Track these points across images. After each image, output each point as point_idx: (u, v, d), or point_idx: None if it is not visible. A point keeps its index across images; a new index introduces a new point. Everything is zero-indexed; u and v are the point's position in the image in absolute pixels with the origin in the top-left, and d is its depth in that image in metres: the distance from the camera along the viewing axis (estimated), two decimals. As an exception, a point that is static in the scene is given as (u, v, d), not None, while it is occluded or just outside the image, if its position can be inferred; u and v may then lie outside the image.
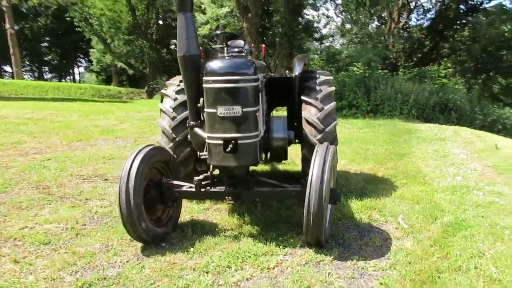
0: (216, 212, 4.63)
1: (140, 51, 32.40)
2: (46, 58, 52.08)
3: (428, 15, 29.58)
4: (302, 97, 4.81)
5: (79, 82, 53.36)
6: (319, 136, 4.54)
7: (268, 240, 3.78)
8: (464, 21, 27.32)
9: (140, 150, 3.71)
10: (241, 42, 4.80)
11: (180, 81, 5.01)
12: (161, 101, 9.71)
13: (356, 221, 4.33)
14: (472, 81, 27.38)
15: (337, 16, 30.23)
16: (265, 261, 3.42)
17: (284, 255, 3.57)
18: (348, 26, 25.06)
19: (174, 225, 4.10)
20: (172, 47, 7.64)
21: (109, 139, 9.08)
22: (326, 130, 4.58)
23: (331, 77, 5.15)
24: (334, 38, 29.44)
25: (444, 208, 4.57)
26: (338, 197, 3.70)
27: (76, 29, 31.94)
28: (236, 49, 4.16)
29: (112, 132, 9.94)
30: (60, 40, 46.12)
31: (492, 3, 28.29)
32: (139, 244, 3.76)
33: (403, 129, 10.83)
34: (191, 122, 4.15)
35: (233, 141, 3.56)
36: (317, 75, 5.03)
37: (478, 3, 27.73)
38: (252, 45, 5.56)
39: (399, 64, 27.27)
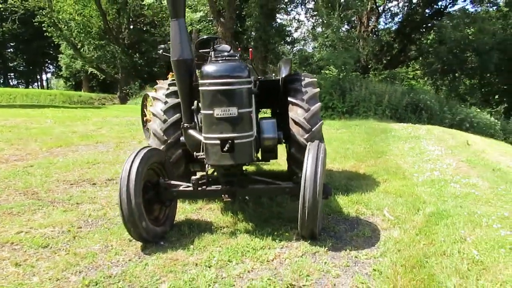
0: (209, 212, 4.76)
1: (112, 56, 32.01)
2: (11, 64, 50.58)
3: (396, 19, 30.55)
4: (289, 98, 5.01)
5: (47, 88, 52.01)
6: (306, 136, 4.74)
7: (264, 235, 3.95)
8: (430, 25, 28.47)
9: (138, 152, 3.81)
10: (226, 46, 4.98)
11: (169, 85, 5.14)
12: (141, 106, 9.67)
13: (345, 215, 4.57)
14: (440, 82, 28.46)
15: (308, 20, 30.85)
16: (264, 254, 3.59)
17: (281, 248, 3.75)
18: (319, 29, 25.62)
19: (171, 224, 4.22)
20: (160, 51, 7.81)
21: (90, 145, 9.03)
22: (313, 129, 4.79)
23: (316, 79, 5.38)
24: (306, 41, 29.98)
25: (426, 200, 4.87)
26: (329, 192, 3.92)
27: (44, 34, 31.24)
28: (225, 53, 4.33)
29: (92, 137, 9.87)
30: (27, 46, 44.95)
31: (456, 7, 29.54)
32: (139, 244, 3.86)
33: (378, 129, 11.24)
34: (185, 124, 4.29)
35: (229, 141, 3.71)
36: (302, 77, 5.24)
37: (443, 7, 29.01)
38: (238, 48, 5.73)
39: (369, 66, 28.06)
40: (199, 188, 4.01)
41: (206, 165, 4.10)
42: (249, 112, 3.83)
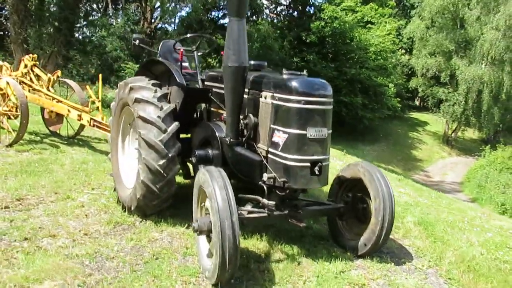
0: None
1: None
2: None
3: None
4: None
5: None
6: None
7: (325, 258, 3.90)
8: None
9: (219, 172, 3.23)
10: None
11: (153, 84, 4.32)
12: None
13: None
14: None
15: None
16: (352, 277, 3.63)
17: (356, 269, 3.83)
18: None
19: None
20: (136, 42, 5.57)
21: None
22: None
23: None
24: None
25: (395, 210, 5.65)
26: None
27: None
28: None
29: None
30: None
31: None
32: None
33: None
34: (232, 140, 3.82)
35: (319, 163, 3.55)
36: None
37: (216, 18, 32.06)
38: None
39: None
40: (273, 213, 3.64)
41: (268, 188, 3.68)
42: (330, 133, 3.74)
